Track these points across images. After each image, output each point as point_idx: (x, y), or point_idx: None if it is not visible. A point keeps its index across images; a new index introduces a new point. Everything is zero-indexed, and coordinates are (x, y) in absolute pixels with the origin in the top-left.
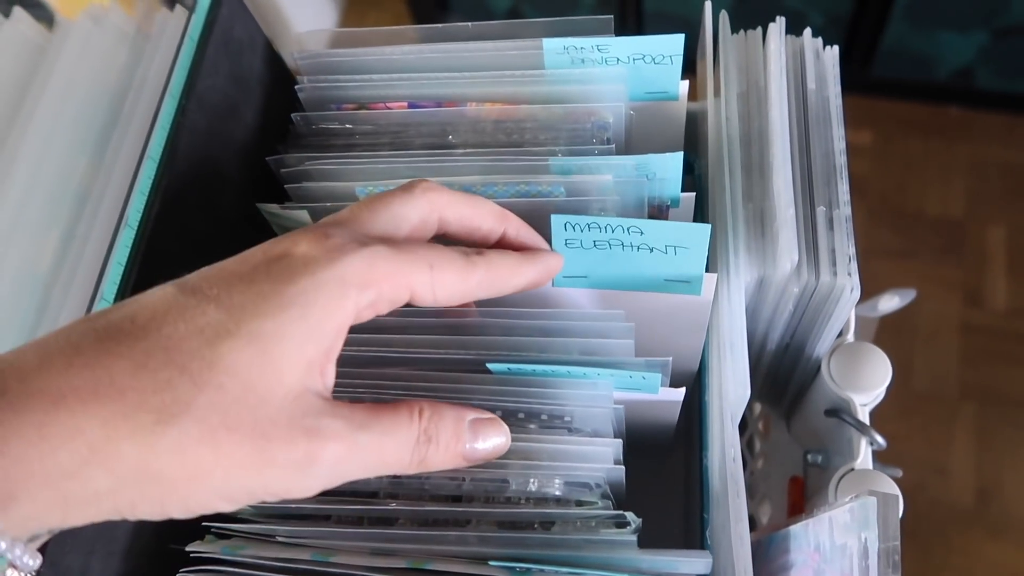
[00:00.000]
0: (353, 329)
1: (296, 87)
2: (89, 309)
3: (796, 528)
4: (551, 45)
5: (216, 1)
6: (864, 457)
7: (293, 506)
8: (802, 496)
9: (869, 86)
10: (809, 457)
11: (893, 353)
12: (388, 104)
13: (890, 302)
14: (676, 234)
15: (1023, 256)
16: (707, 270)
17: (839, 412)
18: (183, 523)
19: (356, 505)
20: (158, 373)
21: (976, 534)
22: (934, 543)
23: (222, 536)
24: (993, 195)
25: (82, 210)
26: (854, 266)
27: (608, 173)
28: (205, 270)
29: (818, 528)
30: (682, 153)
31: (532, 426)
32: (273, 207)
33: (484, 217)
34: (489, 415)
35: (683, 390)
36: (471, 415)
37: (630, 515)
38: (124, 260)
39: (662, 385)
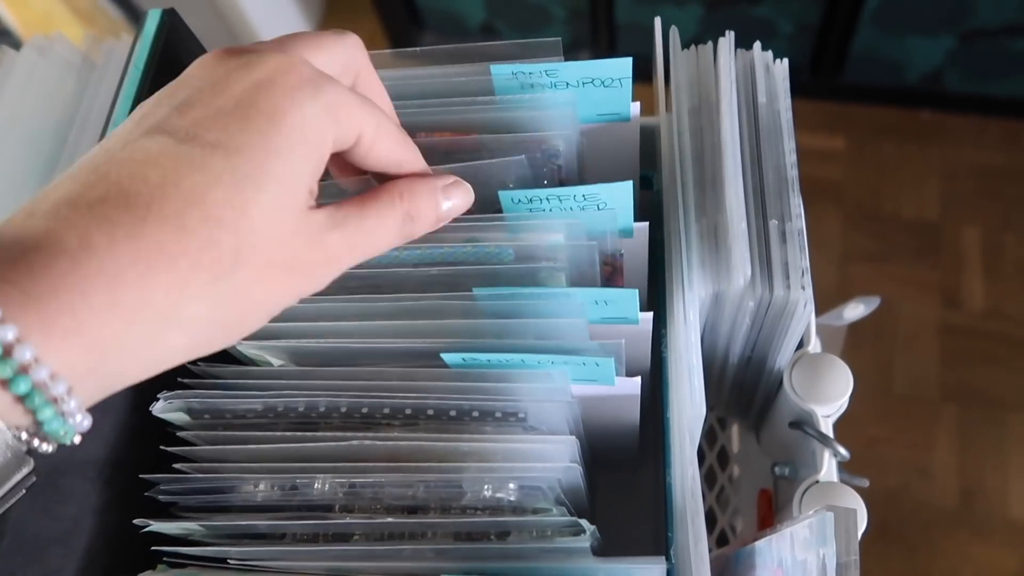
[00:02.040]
0: (313, 317)
1: None
2: None
3: (760, 544)
4: (499, 71)
5: (161, 27)
6: (828, 469)
7: (245, 524)
8: (771, 509)
9: (840, 92)
10: (776, 469)
11: (872, 357)
12: None
13: (855, 310)
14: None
15: (999, 256)
16: (662, 287)
17: (802, 424)
18: (132, 557)
19: (312, 520)
20: (199, 232)
21: (961, 535)
22: (919, 545)
23: (175, 565)
24: (967, 196)
25: None
26: (807, 279)
27: (558, 230)
28: (183, 107)
29: (780, 544)
30: (631, 183)
31: (487, 427)
32: None
33: (385, 147)
34: (453, 177)
35: (638, 379)
36: (440, 182)
37: (584, 522)
38: None
39: (617, 374)
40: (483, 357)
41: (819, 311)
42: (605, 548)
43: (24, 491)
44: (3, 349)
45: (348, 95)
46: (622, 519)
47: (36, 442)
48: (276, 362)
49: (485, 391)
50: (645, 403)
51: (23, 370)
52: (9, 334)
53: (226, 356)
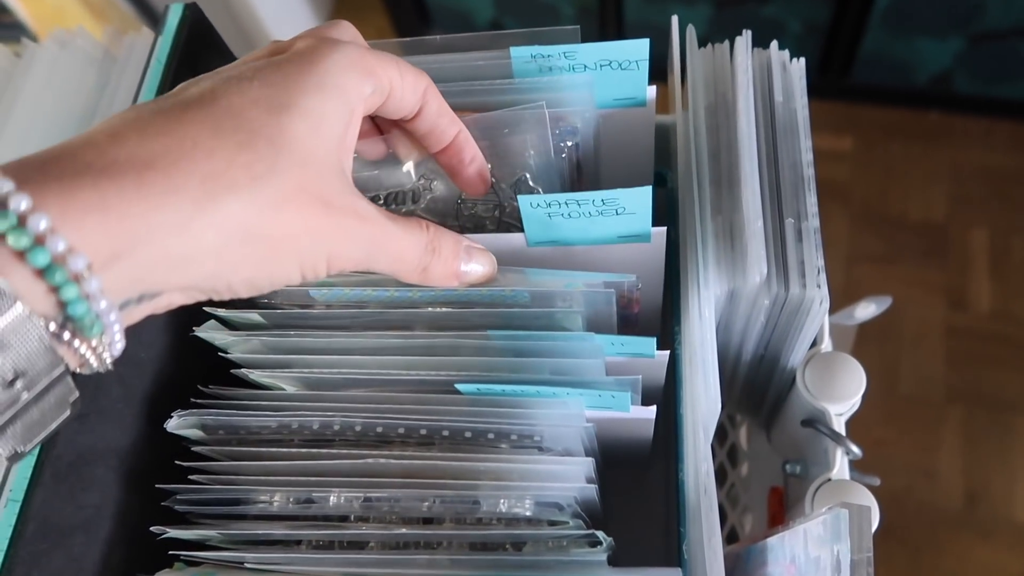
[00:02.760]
0: (324, 351)
1: None
2: None
3: (773, 540)
4: (518, 53)
5: (183, 22)
6: (840, 467)
7: (262, 533)
8: (782, 506)
9: (849, 93)
10: (788, 467)
11: (879, 358)
12: None
13: (866, 310)
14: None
15: (1006, 258)
16: (678, 282)
17: (815, 423)
18: (151, 552)
19: (327, 530)
20: (235, 136)
21: (966, 537)
22: (924, 547)
23: (192, 564)
24: (974, 198)
25: None
26: (823, 278)
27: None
28: (219, 69)
29: (793, 541)
30: (650, 188)
31: (503, 445)
32: (220, 311)
33: (410, 82)
34: (480, 245)
35: (654, 408)
36: (465, 240)
37: (601, 534)
38: None
39: (632, 403)
40: (498, 388)
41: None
42: (615, 544)
43: (68, 412)
44: (18, 219)
45: (368, 53)
46: (632, 514)
47: (67, 336)
48: (289, 389)
49: (500, 416)
50: (658, 404)
51: (39, 241)
52: (22, 203)
53: (239, 382)
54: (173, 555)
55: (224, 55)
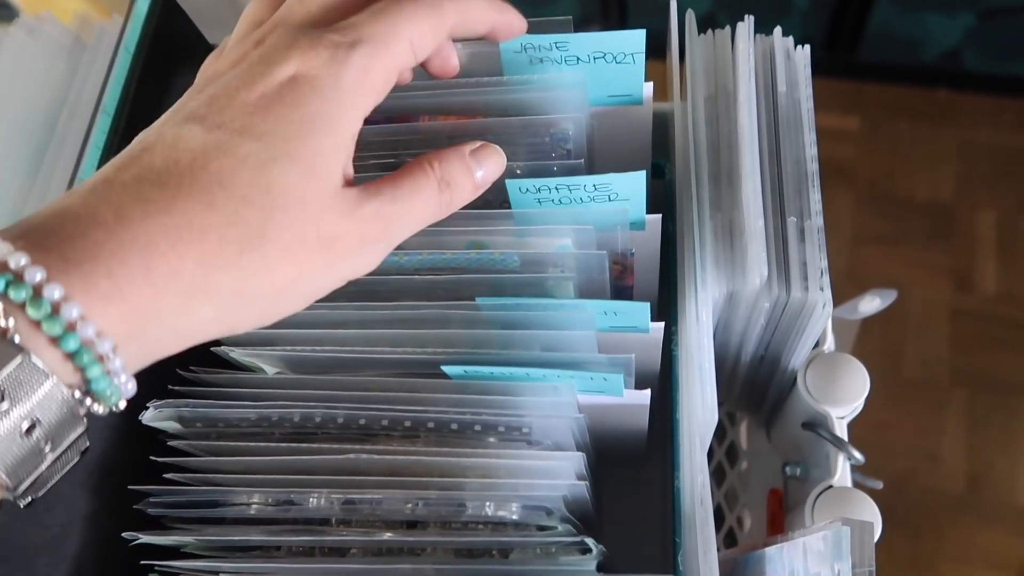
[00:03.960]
0: (308, 325)
1: None
2: None
3: (771, 551)
4: (507, 45)
5: (153, 8)
6: (842, 473)
7: (239, 539)
8: (781, 508)
9: (855, 70)
10: (788, 469)
11: (883, 340)
12: None
13: (871, 304)
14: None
15: (1013, 240)
16: (675, 279)
17: (815, 426)
18: (125, 558)
19: (307, 536)
20: (226, 209)
21: (968, 521)
22: (926, 530)
23: (165, 574)
24: (982, 178)
25: None
26: (826, 280)
27: (566, 235)
28: (211, 95)
29: (792, 553)
30: (644, 173)
31: (490, 439)
32: None
33: (424, 48)
34: (480, 142)
35: (648, 392)
36: (467, 148)
37: (590, 541)
38: None
39: (626, 387)
40: (486, 370)
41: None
42: (610, 544)
43: (79, 457)
44: (52, 307)
45: (374, 60)
46: (627, 515)
47: (88, 401)
48: (270, 370)
49: (488, 404)
50: (654, 399)
51: (71, 327)
52: (56, 293)
53: (219, 362)
54: (147, 565)
55: (197, 45)
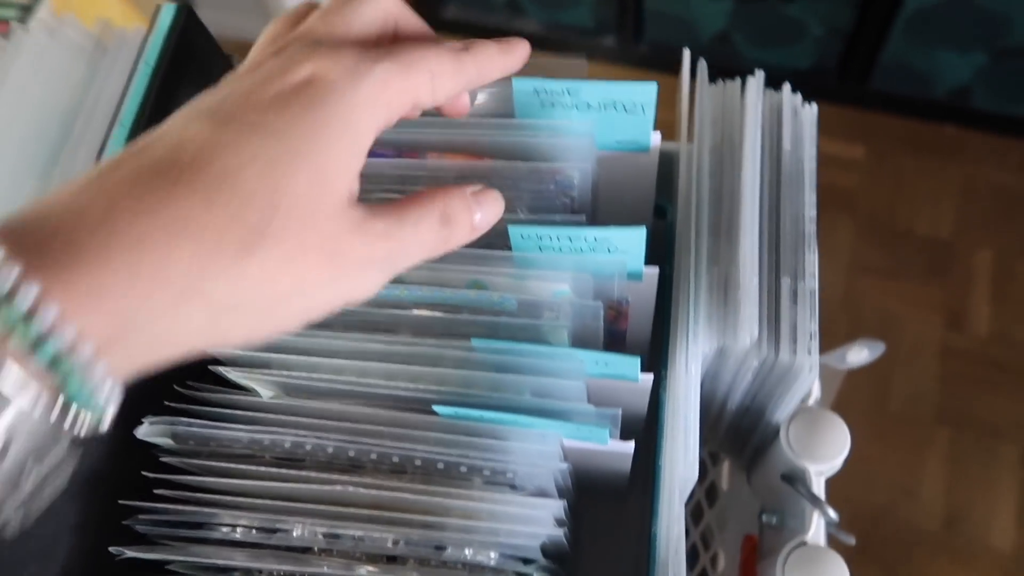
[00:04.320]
0: (304, 351)
1: None
2: None
3: None
4: (521, 86)
5: (175, 23)
6: (816, 530)
7: (222, 562)
8: (754, 556)
9: (865, 99)
10: (764, 517)
11: (871, 373)
12: None
13: (859, 355)
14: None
15: (1009, 281)
16: (667, 328)
17: (794, 480)
18: (112, 571)
19: (289, 564)
20: (228, 207)
21: (942, 560)
22: (899, 567)
23: None
24: (983, 217)
25: None
26: (815, 344)
27: (564, 280)
28: (225, 94)
29: None
30: (644, 229)
31: (475, 480)
32: None
33: (442, 90)
34: (480, 184)
35: (632, 444)
36: (470, 189)
37: None
38: None
39: (611, 436)
40: (476, 413)
41: (820, 323)
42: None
43: (65, 482)
44: (28, 309)
45: (394, 76)
46: (606, 549)
47: (70, 416)
48: (265, 393)
49: (475, 447)
50: (638, 438)
51: (49, 331)
52: (32, 292)
53: (215, 379)
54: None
55: (217, 63)
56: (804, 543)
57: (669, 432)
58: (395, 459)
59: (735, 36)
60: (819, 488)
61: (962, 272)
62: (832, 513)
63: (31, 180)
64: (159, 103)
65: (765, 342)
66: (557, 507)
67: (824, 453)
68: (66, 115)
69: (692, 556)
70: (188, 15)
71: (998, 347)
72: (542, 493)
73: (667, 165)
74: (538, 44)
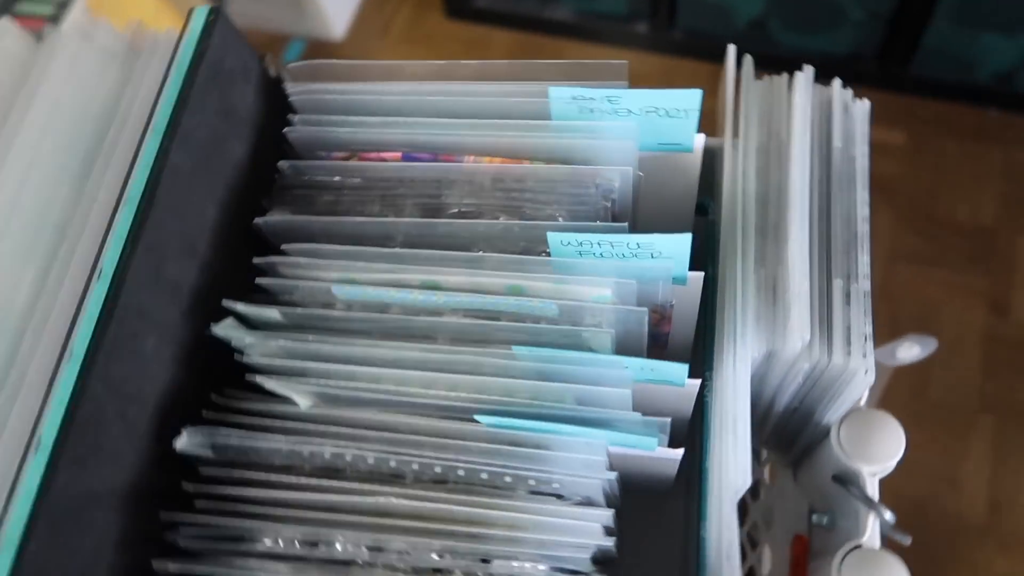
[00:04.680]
0: (342, 360)
1: (285, 130)
2: (57, 366)
3: None
4: (558, 94)
5: (207, 28)
6: (872, 533)
7: (264, 575)
8: (805, 556)
9: (906, 84)
10: (814, 518)
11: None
12: (382, 154)
13: (910, 351)
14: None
15: None
16: (712, 330)
17: (846, 482)
18: None
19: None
20: None
21: (986, 548)
22: (943, 555)
23: None
24: None
25: (59, 248)
26: (870, 346)
27: (607, 285)
28: None
29: None
30: (689, 235)
31: (519, 491)
32: (240, 307)
33: None
34: None
35: (681, 451)
36: None
37: None
38: (96, 314)
39: (659, 444)
40: (518, 423)
41: None
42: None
43: None
44: None
45: None
46: (648, 547)
47: None
48: (303, 403)
49: (519, 457)
50: (684, 436)
51: None
52: None
53: (251, 388)
54: None
55: (250, 63)
56: (859, 546)
57: (717, 436)
58: (437, 469)
59: (771, 22)
60: (873, 490)
61: (1004, 258)
62: (888, 515)
63: (64, 187)
64: (191, 109)
65: (817, 345)
66: (606, 516)
67: (878, 454)
68: (99, 121)
69: (739, 555)
70: (220, 18)
71: None
72: (589, 502)
73: (709, 161)
74: (570, 32)
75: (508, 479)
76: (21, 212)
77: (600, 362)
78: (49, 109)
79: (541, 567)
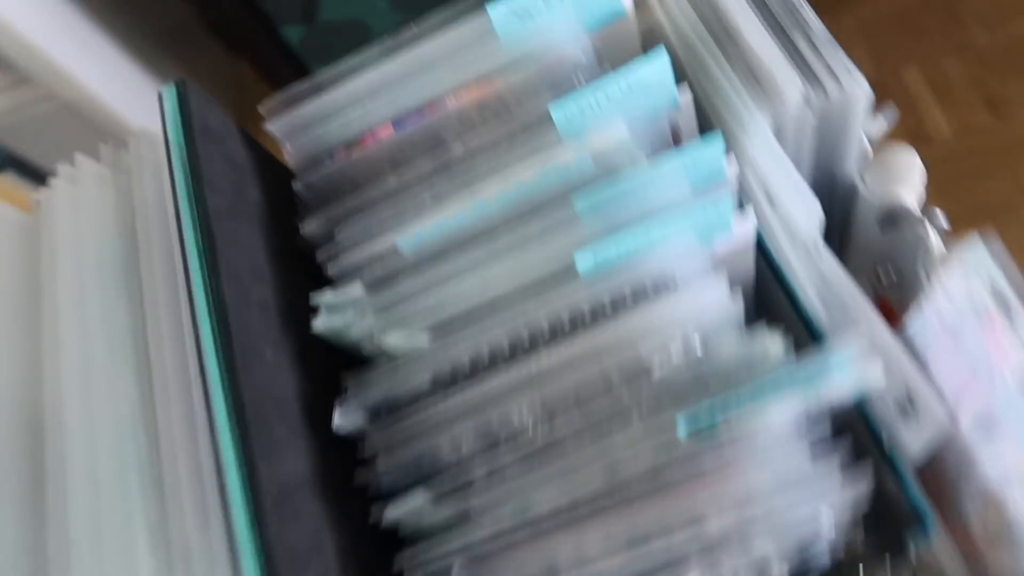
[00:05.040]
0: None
1: (285, 154)
2: (208, 398)
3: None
4: (497, 13)
5: (182, 97)
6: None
7: (463, 480)
8: (893, 316)
9: None
10: (881, 276)
11: None
12: (375, 134)
13: (879, 125)
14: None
15: (944, 83)
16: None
17: (894, 215)
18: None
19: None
20: None
21: None
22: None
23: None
24: (891, 43)
25: (149, 331)
26: (857, 75)
27: (620, 129)
28: None
29: (932, 307)
30: (666, 55)
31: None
32: (328, 296)
33: None
34: None
35: (751, 214)
36: None
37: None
38: (213, 335)
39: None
40: (613, 250)
41: None
42: None
43: None
44: None
45: None
46: None
47: None
48: (422, 339)
49: (629, 271)
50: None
51: None
52: None
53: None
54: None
55: (227, 120)
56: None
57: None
58: (564, 326)
59: None
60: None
61: (901, 95)
62: (943, 219)
63: (122, 301)
64: (205, 158)
65: (811, 92)
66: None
67: (905, 175)
68: (123, 225)
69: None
70: (190, 85)
71: (967, 138)
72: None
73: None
74: None
75: (627, 292)
76: (96, 337)
77: (651, 174)
78: (76, 261)
79: (696, 336)
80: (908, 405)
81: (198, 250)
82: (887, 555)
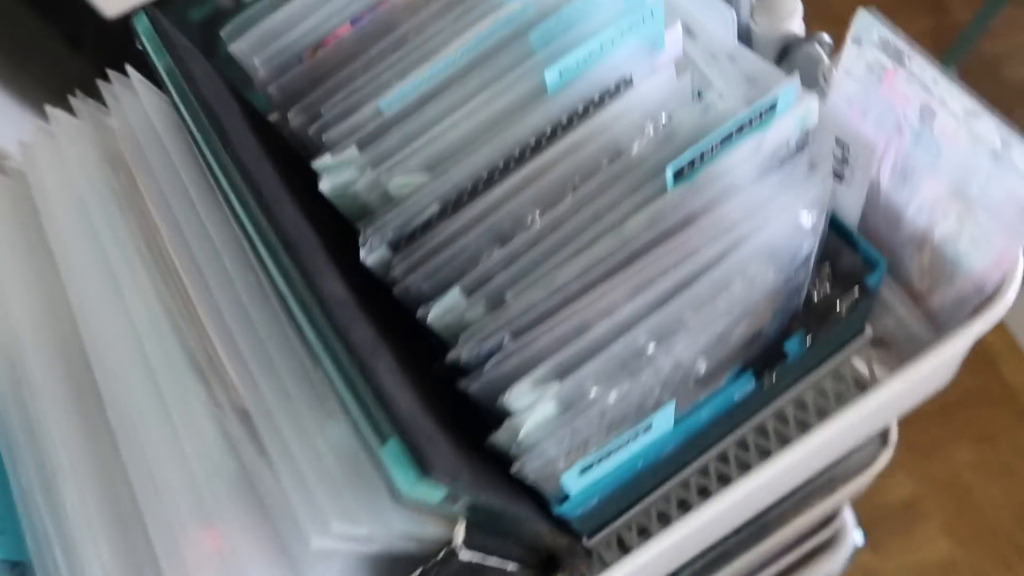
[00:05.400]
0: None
1: (255, 63)
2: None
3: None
4: None
5: (154, 20)
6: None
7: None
8: None
9: None
10: None
11: None
12: (336, 33)
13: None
14: None
15: None
16: None
17: (788, 46)
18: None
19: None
20: None
21: None
22: None
23: None
24: None
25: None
26: None
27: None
28: None
29: (839, 92)
30: None
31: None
32: (326, 159)
33: None
34: None
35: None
36: None
37: None
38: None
39: None
40: (572, 61)
41: None
42: None
43: None
44: None
45: None
46: None
47: None
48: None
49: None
50: None
51: None
52: None
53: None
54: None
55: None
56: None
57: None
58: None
59: None
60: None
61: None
62: (827, 37)
63: (129, 219)
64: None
65: None
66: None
67: (791, 12)
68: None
69: None
70: (155, 14)
71: None
72: None
73: None
74: None
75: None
76: (112, 254)
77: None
78: (65, 186)
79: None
80: (843, 165)
81: (206, 139)
82: (855, 289)
